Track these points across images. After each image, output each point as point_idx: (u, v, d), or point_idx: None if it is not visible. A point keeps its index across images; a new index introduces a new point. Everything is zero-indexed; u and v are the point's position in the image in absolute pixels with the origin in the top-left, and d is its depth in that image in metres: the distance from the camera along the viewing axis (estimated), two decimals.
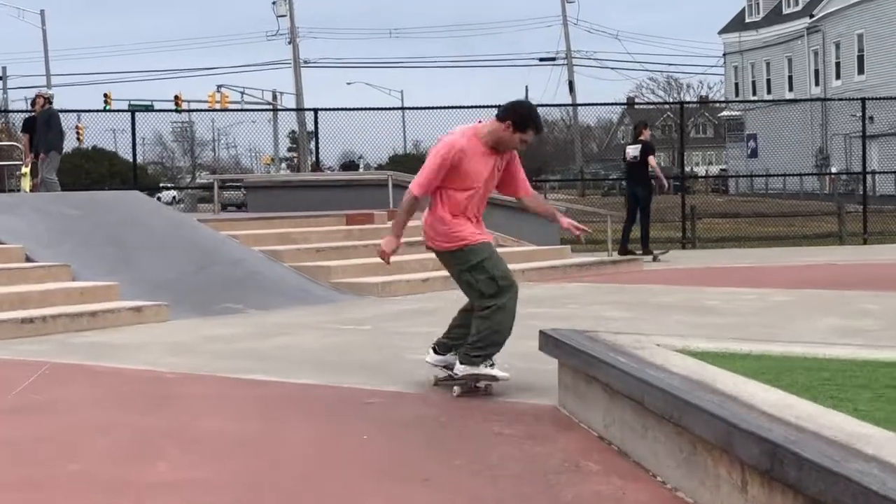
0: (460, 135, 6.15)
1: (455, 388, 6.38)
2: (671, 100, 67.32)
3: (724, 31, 61.03)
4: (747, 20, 58.92)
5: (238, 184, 26.99)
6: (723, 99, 65.95)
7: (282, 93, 57.94)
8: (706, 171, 60.20)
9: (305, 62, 58.14)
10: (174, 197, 40.41)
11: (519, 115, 6.12)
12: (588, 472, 4.67)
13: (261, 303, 10.98)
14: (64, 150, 18.57)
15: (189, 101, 49.50)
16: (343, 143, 29.23)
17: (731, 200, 37.55)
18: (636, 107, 70.71)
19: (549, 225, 17.95)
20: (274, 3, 55.98)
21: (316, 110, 23.82)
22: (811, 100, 45.84)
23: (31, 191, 17.75)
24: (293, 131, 56.02)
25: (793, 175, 37.84)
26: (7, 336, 8.91)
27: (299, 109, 45.08)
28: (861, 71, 48.19)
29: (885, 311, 9.91)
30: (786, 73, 54.46)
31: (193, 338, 8.99)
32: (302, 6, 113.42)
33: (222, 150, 68.63)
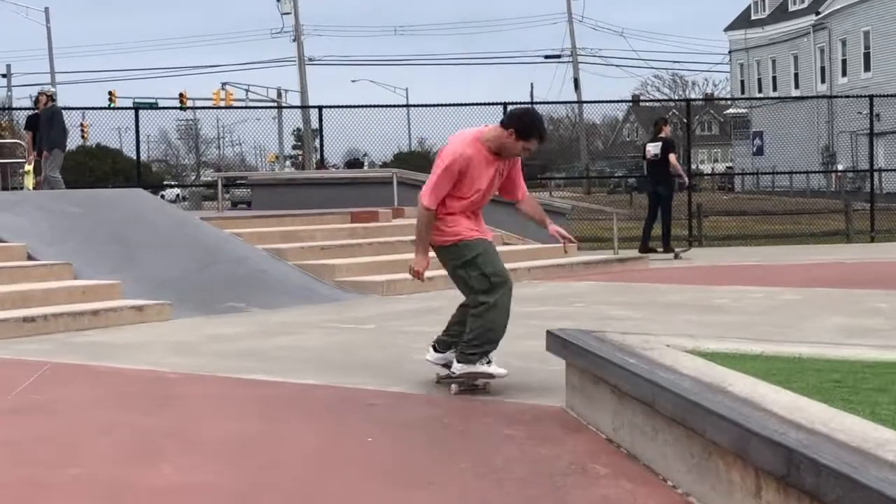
0: (466, 143, 6.12)
1: (452, 385, 6.37)
2: (676, 97, 67.24)
3: (730, 28, 60.90)
4: (753, 17, 58.78)
5: (242, 182, 26.91)
6: (728, 96, 65.84)
7: (286, 90, 57.95)
8: (712, 169, 60.09)
9: (310, 60, 58.16)
10: (178, 195, 40.36)
11: (523, 123, 6.11)
12: (596, 475, 4.58)
13: (264, 301, 10.90)
14: (67, 148, 18.52)
15: (194, 99, 49.41)
16: (348, 140, 29.11)
17: (736, 198, 37.40)
18: (641, 104, 70.67)
19: (555, 222, 17.91)
20: (278, 0, 55.90)
21: (320, 108, 23.72)
22: (818, 97, 45.70)
23: (34, 188, 17.70)
24: (298, 129, 56.00)
25: (799, 173, 37.69)
26: (8, 335, 8.84)
27: (304, 107, 44.99)
28: (867, 68, 48.05)
29: (895, 310, 9.81)
30: (792, 71, 54.32)
31: (196, 337, 8.91)
32: (306, 3, 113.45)
33: (227, 148, 68.66)
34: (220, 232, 13.13)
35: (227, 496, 4.44)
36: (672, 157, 17.18)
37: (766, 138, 49.78)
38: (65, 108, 19.27)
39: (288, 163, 55.82)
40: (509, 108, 22.05)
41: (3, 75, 65.18)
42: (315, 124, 25.88)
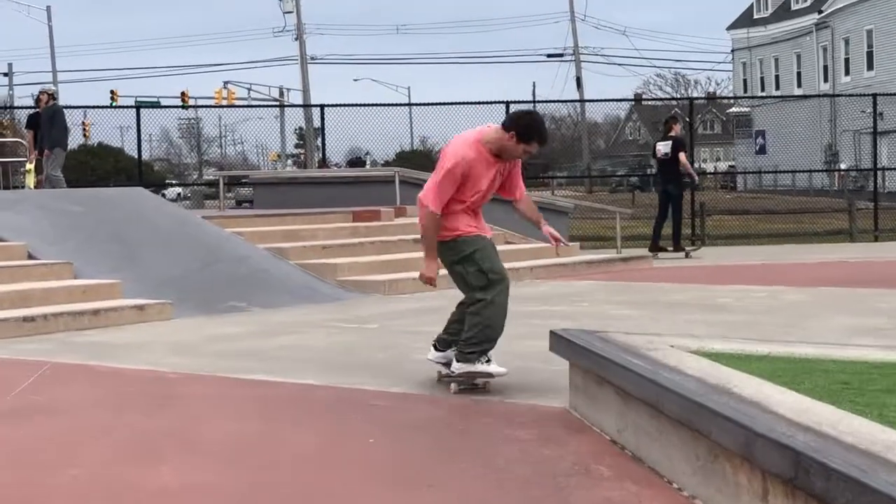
0: (468, 146, 6.11)
1: (452, 385, 6.36)
2: (678, 96, 67.17)
3: (733, 27, 60.81)
4: (756, 16, 58.68)
5: (245, 180, 26.88)
6: (731, 95, 65.76)
7: (289, 89, 57.88)
8: (715, 168, 60.00)
9: (312, 58, 58.08)
10: (179, 193, 40.30)
11: (523, 126, 6.11)
12: (600, 476, 4.53)
13: (266, 301, 10.86)
14: (69, 147, 18.48)
15: (196, 98, 49.41)
16: (350, 139, 29.11)
17: (739, 197, 37.35)
18: (643, 103, 70.61)
19: (558, 221, 17.92)
20: None
21: (322, 106, 23.68)
22: (821, 95, 45.60)
23: (35, 187, 17.65)
24: (300, 128, 55.93)
25: (802, 171, 37.61)
26: (8, 335, 8.80)
27: (306, 106, 44.97)
28: (870, 67, 47.96)
29: None
30: (794, 70, 54.23)
31: (197, 337, 8.87)
32: (309, 2, 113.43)
33: (229, 147, 68.63)
34: (222, 231, 13.08)
35: (227, 498, 4.40)
36: (682, 156, 17.06)
37: (768, 137, 49.71)
38: (66, 107, 19.23)
39: (290, 161, 55.79)
40: (511, 106, 22.05)
41: (5, 74, 65.13)
42: (317, 123, 25.83)
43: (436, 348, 6.57)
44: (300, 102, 52.49)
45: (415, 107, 28.34)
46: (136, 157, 22.82)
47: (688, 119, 27.41)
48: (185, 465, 4.87)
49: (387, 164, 32.24)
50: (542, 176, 39.02)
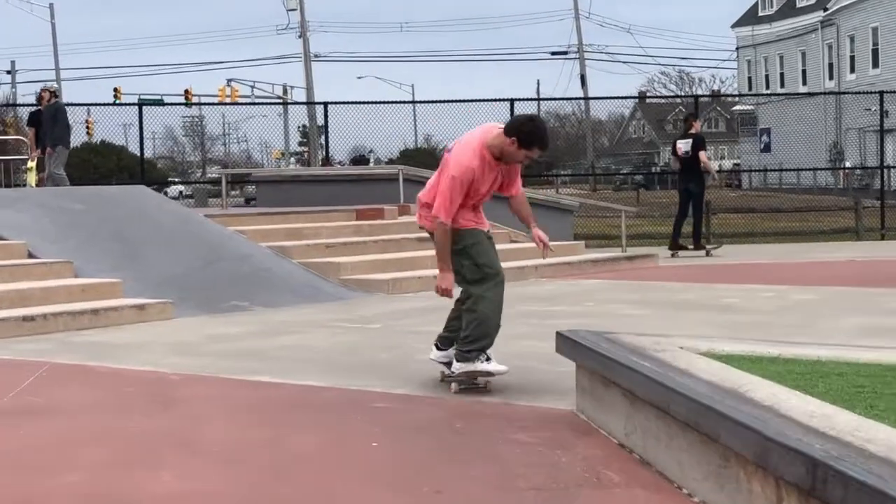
0: (475, 154, 6.10)
1: (452, 384, 6.33)
2: (683, 94, 67.03)
3: (737, 24, 60.64)
4: (760, 14, 58.53)
5: (248, 178, 26.81)
6: (735, 93, 65.60)
7: (292, 87, 57.77)
8: (720, 166, 59.88)
9: (316, 56, 58.00)
10: (181, 192, 40.21)
11: (525, 133, 6.10)
12: (609, 482, 4.42)
13: (268, 300, 10.76)
14: (72, 145, 18.40)
15: (199, 96, 49.24)
16: (353, 137, 29.02)
17: (744, 195, 37.20)
18: (648, 101, 70.47)
19: (563, 220, 17.86)
20: None
21: (326, 104, 23.60)
22: (826, 93, 45.44)
23: (36, 185, 17.56)
24: (304, 125, 55.81)
25: (807, 170, 37.47)
26: (7, 335, 8.71)
27: (309, 103, 44.90)
28: (875, 65, 47.80)
29: None
30: (799, 67, 54.07)
31: (198, 337, 8.77)
32: (312, 0, 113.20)
33: (233, 145, 68.54)
34: (224, 229, 12.99)
35: (226, 502, 4.30)
36: (703, 155, 16.85)
37: (773, 135, 49.58)
38: (69, 105, 19.16)
39: (293, 159, 55.68)
40: (516, 104, 21.94)
41: (8, 72, 65.10)
42: (321, 121, 25.76)
43: (437, 348, 6.56)
44: (304, 100, 52.44)
45: (419, 104, 28.36)
46: (139, 154, 22.75)
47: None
48: (186, 470, 4.77)
49: (390, 161, 32.13)
50: (545, 174, 38.91)
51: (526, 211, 6.54)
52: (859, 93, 33.79)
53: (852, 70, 49.61)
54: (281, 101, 53.21)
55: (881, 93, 24.64)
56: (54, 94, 17.59)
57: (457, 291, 6.42)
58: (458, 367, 6.26)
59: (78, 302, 9.71)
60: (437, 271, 6.32)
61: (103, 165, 32.98)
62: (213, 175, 37.73)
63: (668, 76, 73.25)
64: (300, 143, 61.10)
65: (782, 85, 55.02)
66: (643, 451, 4.70)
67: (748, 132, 57.36)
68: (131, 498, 4.37)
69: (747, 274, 13.85)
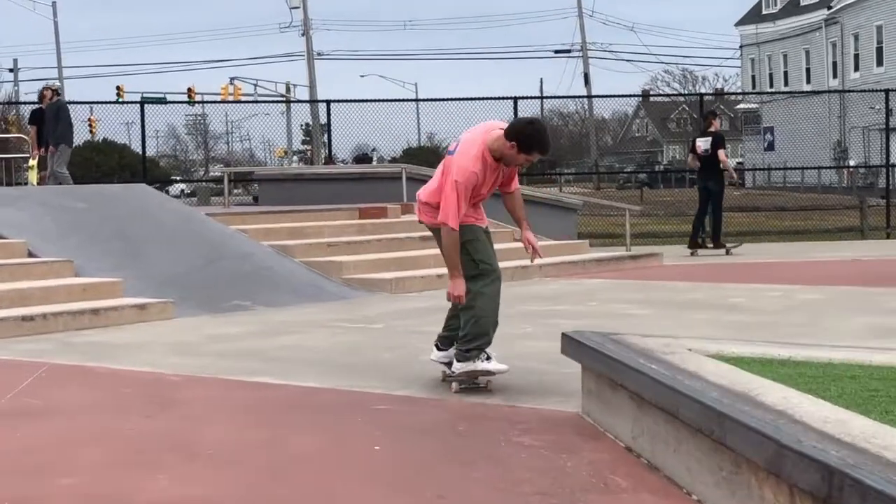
0: (477, 159, 6.08)
1: (453, 384, 6.29)
2: (686, 92, 66.89)
3: (741, 23, 60.50)
4: (764, 12, 58.38)
5: (249, 177, 26.72)
6: (739, 91, 65.45)
7: (295, 85, 57.58)
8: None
9: (319, 54, 57.90)
10: (182, 190, 40.10)
11: (525, 137, 6.08)
12: (617, 488, 4.33)
13: (270, 299, 10.67)
14: (74, 143, 18.30)
15: (202, 94, 49.16)
16: (356, 135, 28.89)
17: (748, 194, 37.05)
18: (651, 99, 70.33)
19: (566, 219, 17.76)
20: None
21: (329, 102, 23.50)
22: (830, 92, 45.30)
23: (38, 184, 17.48)
24: (306, 124, 55.74)
25: (811, 168, 37.34)
26: (7, 334, 8.63)
27: (312, 101, 44.78)
28: (879, 63, 47.66)
29: None
30: (803, 66, 53.91)
31: (198, 337, 8.68)
32: None
33: (236, 143, 68.42)
34: (226, 228, 12.90)
35: None
36: (721, 154, 16.68)
37: (777, 134, 49.43)
38: (71, 103, 19.07)
39: (296, 158, 55.58)
40: (520, 102, 21.85)
41: (11, 70, 65.05)
42: (323, 119, 25.66)
43: (438, 348, 6.53)
44: (307, 98, 52.35)
45: (422, 102, 28.20)
46: (141, 153, 22.67)
47: (696, 116, 27.17)
48: (183, 473, 4.69)
49: (393, 160, 32.04)
50: (549, 172, 38.79)
51: (520, 211, 6.55)
52: (864, 91, 33.65)
53: (856, 68, 49.47)
54: (284, 99, 53.10)
55: (887, 91, 24.48)
56: (56, 92, 17.49)
57: None
58: (458, 366, 6.22)
59: (78, 301, 9.63)
60: (440, 269, 6.28)
61: (105, 164, 32.89)
62: (216, 173, 37.64)
63: (671, 74, 73.05)
64: (303, 142, 61.04)
65: (786, 83, 54.87)
66: (651, 455, 4.61)
67: (752, 131, 57.22)
68: (130, 499, 4.31)
69: (752, 273, 13.75)
